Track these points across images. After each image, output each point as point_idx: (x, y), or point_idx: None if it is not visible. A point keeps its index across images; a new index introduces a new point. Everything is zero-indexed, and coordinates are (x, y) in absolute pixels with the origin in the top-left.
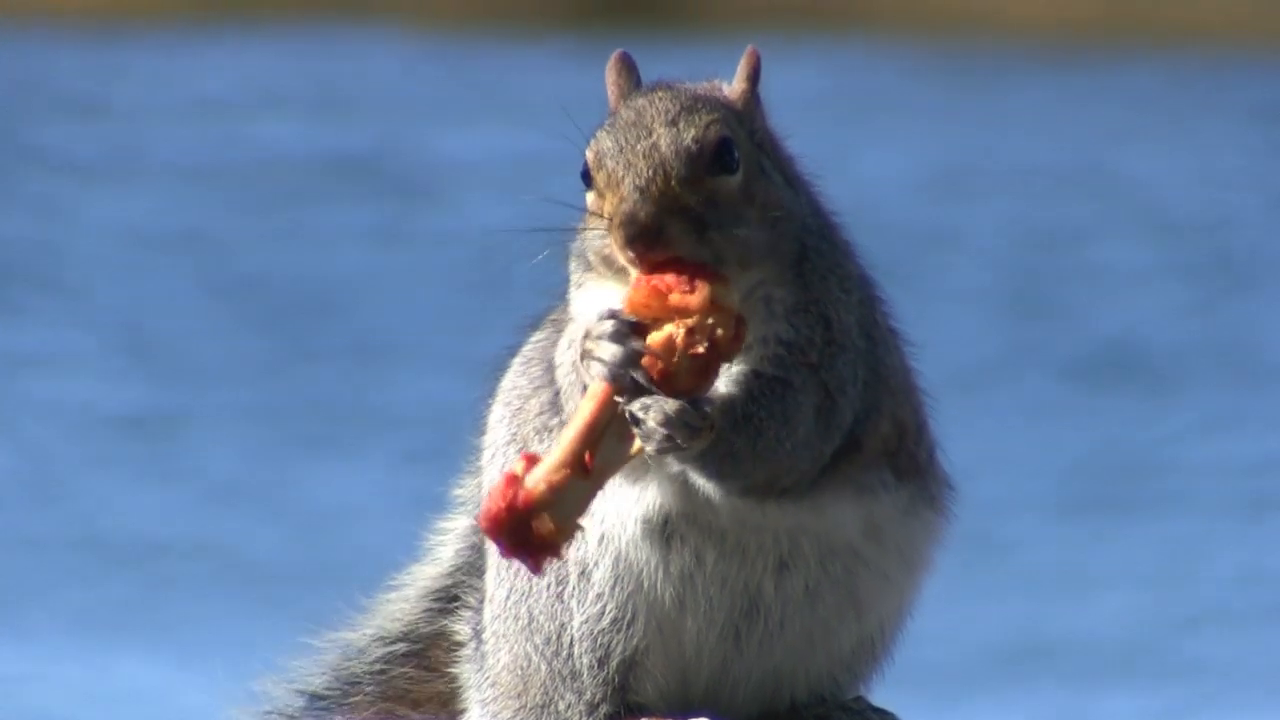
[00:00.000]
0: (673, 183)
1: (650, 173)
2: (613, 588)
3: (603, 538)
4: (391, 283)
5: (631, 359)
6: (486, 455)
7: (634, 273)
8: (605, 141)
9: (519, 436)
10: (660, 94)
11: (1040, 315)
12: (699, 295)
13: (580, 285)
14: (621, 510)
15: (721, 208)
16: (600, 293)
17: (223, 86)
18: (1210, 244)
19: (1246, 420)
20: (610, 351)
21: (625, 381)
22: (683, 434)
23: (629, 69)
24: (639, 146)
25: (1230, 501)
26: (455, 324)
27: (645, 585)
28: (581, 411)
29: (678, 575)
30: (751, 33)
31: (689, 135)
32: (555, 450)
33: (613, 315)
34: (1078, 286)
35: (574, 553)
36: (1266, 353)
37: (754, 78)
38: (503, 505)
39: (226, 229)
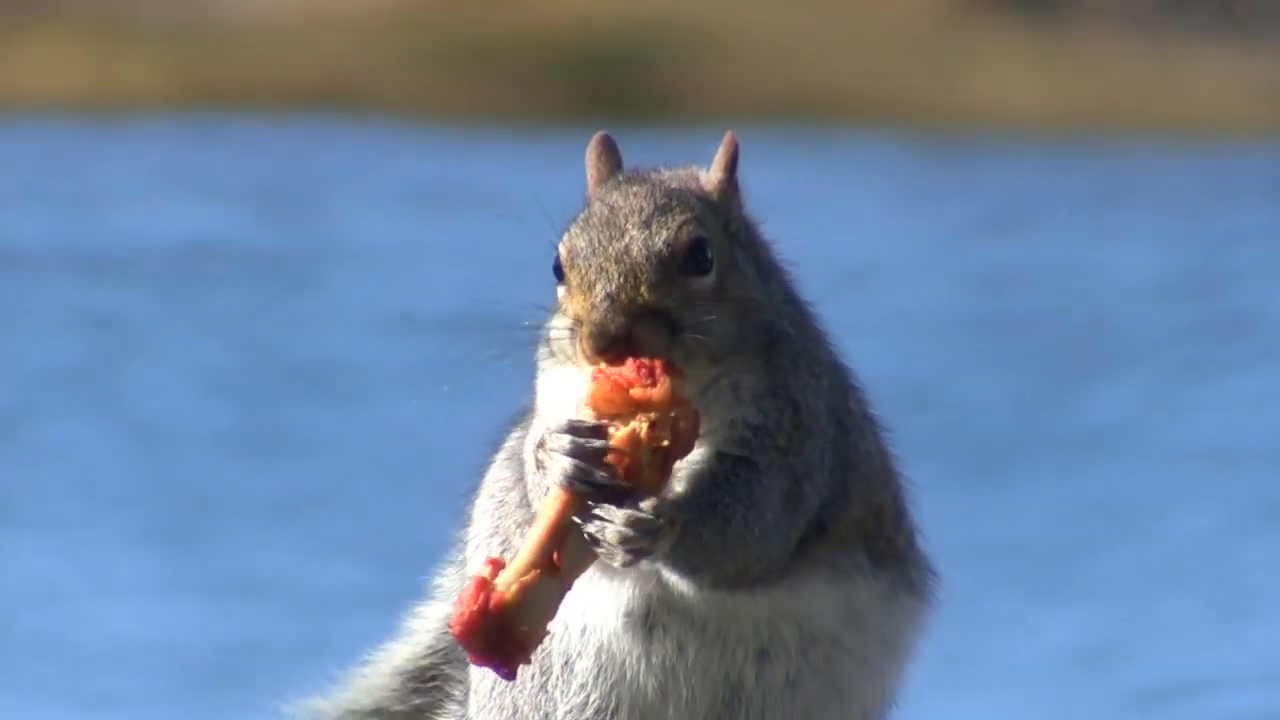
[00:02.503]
0: (643, 289)
1: (621, 279)
2: (596, 678)
3: (585, 628)
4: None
5: (592, 461)
6: (470, 547)
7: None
8: (579, 240)
9: (501, 529)
10: (635, 189)
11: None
12: (661, 389)
13: (544, 370)
14: (604, 601)
15: (694, 308)
16: (564, 377)
17: (225, 174)
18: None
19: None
20: (565, 463)
21: (581, 490)
22: (644, 541)
23: (609, 152)
24: (611, 249)
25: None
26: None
27: (628, 676)
28: (545, 512)
29: (660, 665)
30: (738, 125)
31: (661, 238)
32: (523, 551)
33: (570, 427)
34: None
35: (557, 644)
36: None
37: (731, 165)
38: (475, 609)
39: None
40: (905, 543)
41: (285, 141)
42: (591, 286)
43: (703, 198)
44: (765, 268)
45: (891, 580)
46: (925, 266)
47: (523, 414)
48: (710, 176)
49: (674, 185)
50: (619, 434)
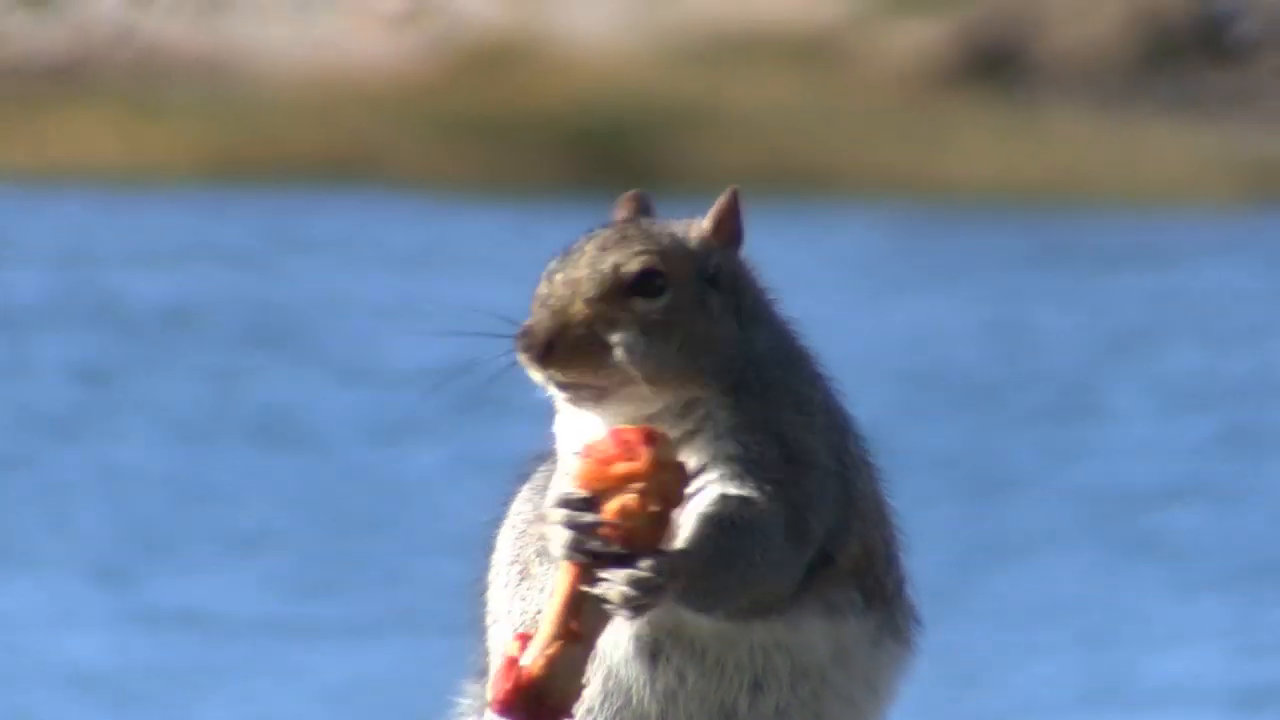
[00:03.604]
0: (579, 301)
1: (562, 289)
2: (602, 703)
3: (595, 656)
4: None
5: (587, 534)
6: (492, 573)
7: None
8: (550, 264)
9: (520, 558)
10: (616, 227)
11: None
12: (643, 459)
13: (560, 411)
14: (615, 631)
15: (634, 327)
16: (574, 419)
17: (245, 236)
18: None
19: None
20: (563, 536)
21: (582, 559)
22: (648, 598)
23: (634, 205)
24: (564, 269)
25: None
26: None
27: (633, 701)
28: (559, 587)
29: (663, 692)
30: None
31: (609, 261)
32: (544, 626)
33: (564, 501)
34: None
35: None
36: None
37: (722, 217)
38: (509, 687)
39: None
40: (895, 587)
41: (295, 207)
42: (539, 298)
43: (679, 241)
44: (749, 314)
45: (879, 624)
46: (863, 320)
47: (547, 451)
48: (696, 225)
49: (651, 228)
50: (610, 506)
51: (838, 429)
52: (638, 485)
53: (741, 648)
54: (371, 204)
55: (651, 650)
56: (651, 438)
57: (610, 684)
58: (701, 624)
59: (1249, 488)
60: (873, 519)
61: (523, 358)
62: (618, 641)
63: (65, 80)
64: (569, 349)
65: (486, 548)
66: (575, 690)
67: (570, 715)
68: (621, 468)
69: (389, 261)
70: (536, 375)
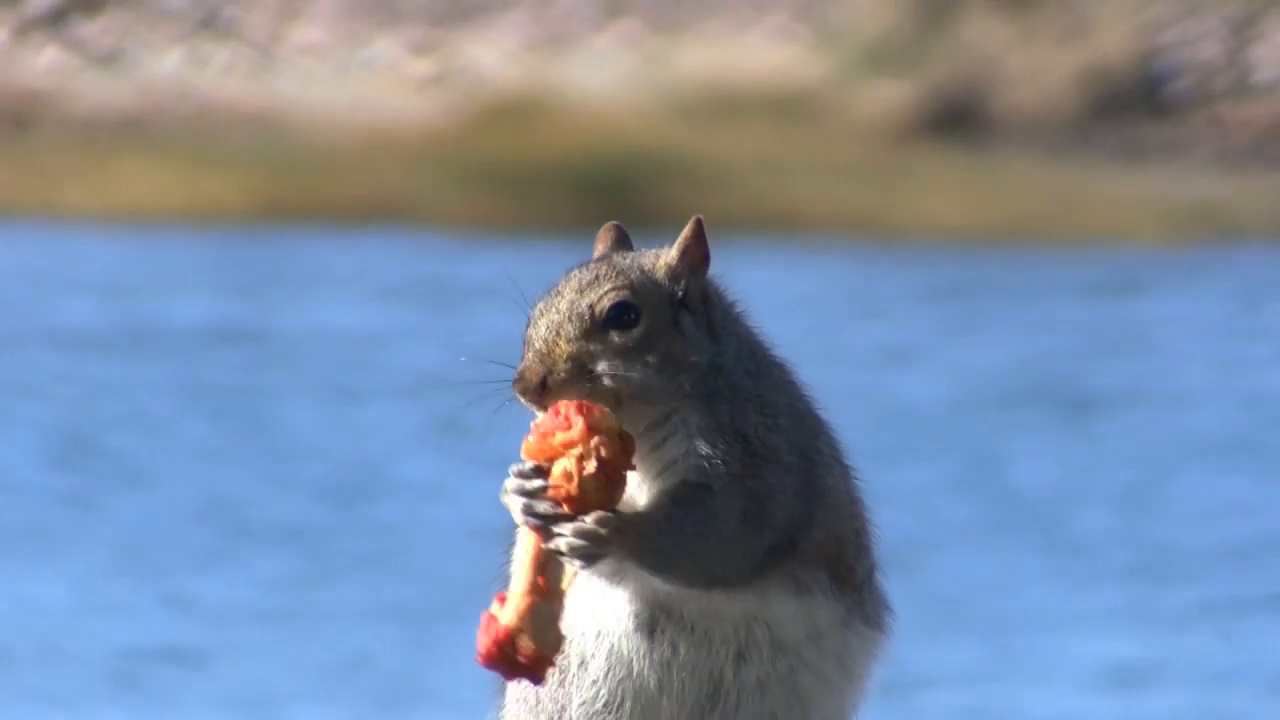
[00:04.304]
0: (562, 341)
1: (546, 333)
2: (606, 675)
3: (599, 633)
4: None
5: (535, 497)
6: (513, 565)
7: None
8: (537, 305)
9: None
10: (590, 265)
11: None
12: (576, 428)
13: None
14: (617, 609)
15: (615, 357)
16: None
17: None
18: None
19: None
20: (518, 503)
21: (535, 520)
22: (593, 546)
23: (612, 237)
24: (548, 311)
25: None
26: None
27: (633, 672)
28: (525, 547)
29: (659, 663)
30: (711, 235)
31: (585, 301)
32: (514, 584)
33: (516, 472)
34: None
35: (574, 647)
36: None
37: (687, 245)
38: (489, 640)
39: None
40: (864, 575)
41: (333, 245)
42: (529, 342)
43: (647, 272)
44: (718, 329)
45: (849, 608)
46: (812, 347)
47: None
48: (664, 254)
49: (622, 264)
50: (555, 471)
51: (805, 430)
52: (575, 451)
53: (726, 622)
54: (402, 242)
55: (649, 625)
56: (584, 408)
57: (613, 658)
58: (687, 600)
59: (1156, 495)
60: (842, 512)
61: (521, 399)
62: (619, 618)
63: (131, 132)
64: (559, 385)
65: (509, 542)
66: (550, 642)
67: (550, 665)
68: (560, 437)
69: (412, 294)
70: (537, 411)
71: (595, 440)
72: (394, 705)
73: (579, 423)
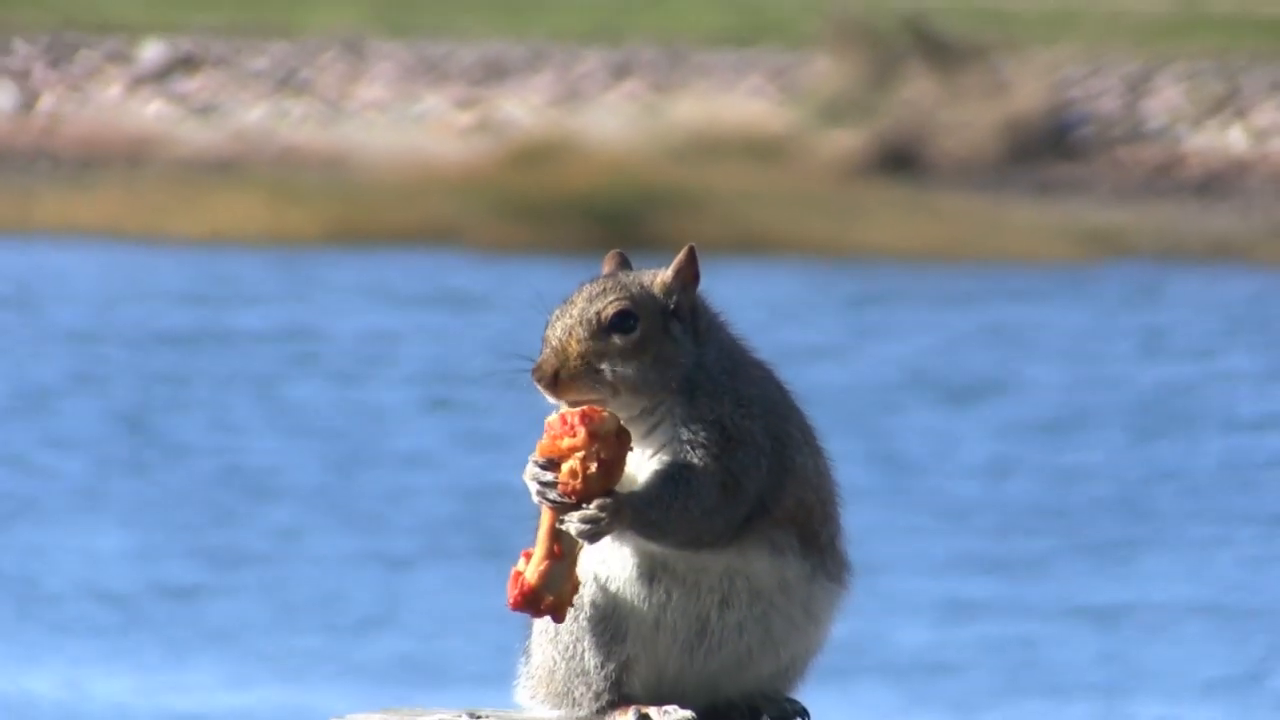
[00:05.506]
0: (574, 341)
1: (561, 334)
2: (612, 613)
3: (608, 580)
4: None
5: (547, 487)
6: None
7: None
8: (554, 310)
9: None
10: (600, 280)
11: None
12: (579, 435)
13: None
14: (622, 562)
15: (616, 356)
16: None
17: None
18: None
19: None
20: (534, 489)
21: (548, 503)
22: (597, 527)
23: (616, 261)
24: (564, 316)
25: None
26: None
27: (635, 612)
28: (543, 521)
29: (656, 605)
30: (712, 258)
31: (593, 309)
32: (537, 548)
33: (532, 464)
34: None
35: (588, 591)
36: None
37: (680, 266)
38: (517, 593)
39: None
40: (828, 539)
41: (394, 264)
42: (546, 340)
43: (645, 287)
44: (703, 335)
45: (814, 565)
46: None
47: None
48: (660, 274)
49: (625, 280)
50: (564, 469)
51: (778, 417)
52: (579, 454)
53: (711, 574)
54: (449, 262)
55: (648, 576)
56: (587, 417)
57: (619, 600)
58: (679, 558)
59: (1073, 471)
60: (810, 484)
61: (538, 387)
62: (623, 569)
63: (224, 171)
64: (570, 377)
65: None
66: (566, 591)
67: (569, 607)
68: (567, 442)
69: (457, 304)
70: (550, 397)
71: (596, 446)
72: (364, 633)
73: (582, 432)
